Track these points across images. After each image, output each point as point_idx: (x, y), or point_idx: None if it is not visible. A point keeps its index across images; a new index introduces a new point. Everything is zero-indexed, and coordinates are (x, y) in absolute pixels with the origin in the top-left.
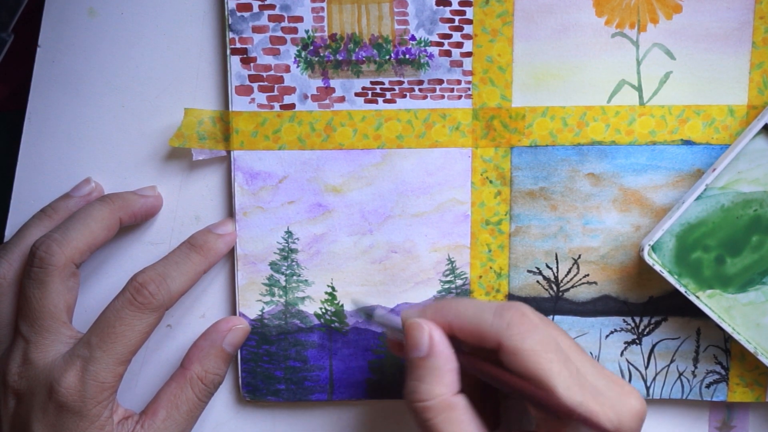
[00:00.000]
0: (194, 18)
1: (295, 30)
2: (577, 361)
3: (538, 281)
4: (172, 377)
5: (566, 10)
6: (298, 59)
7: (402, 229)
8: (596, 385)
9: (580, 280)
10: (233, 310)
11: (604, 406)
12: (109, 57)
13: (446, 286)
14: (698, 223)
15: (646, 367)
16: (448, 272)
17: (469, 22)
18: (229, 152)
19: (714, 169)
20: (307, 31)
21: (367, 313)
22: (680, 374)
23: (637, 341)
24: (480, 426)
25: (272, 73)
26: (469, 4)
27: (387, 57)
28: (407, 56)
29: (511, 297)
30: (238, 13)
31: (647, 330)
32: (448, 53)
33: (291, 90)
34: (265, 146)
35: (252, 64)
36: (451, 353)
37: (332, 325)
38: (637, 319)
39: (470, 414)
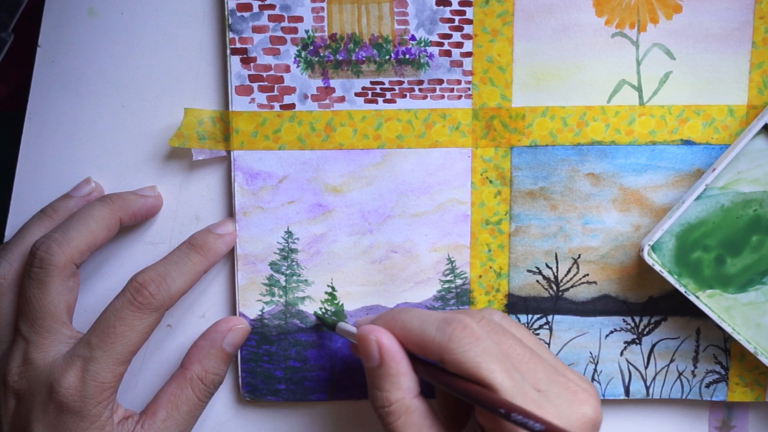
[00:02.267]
0: (194, 18)
1: (295, 30)
2: (528, 371)
3: (537, 281)
4: (172, 377)
5: (566, 10)
6: (298, 59)
7: (402, 229)
8: (548, 393)
9: (580, 279)
10: (233, 310)
11: (548, 413)
12: (109, 57)
13: (446, 285)
14: (698, 223)
15: (646, 367)
16: (448, 272)
17: (469, 22)
18: (229, 152)
19: (714, 169)
20: (307, 31)
21: (329, 324)
22: (680, 374)
23: (637, 341)
24: (441, 427)
25: (272, 73)
26: (469, 4)
27: (387, 57)
28: (407, 56)
29: (510, 296)
30: (238, 13)
31: (647, 330)
32: (448, 53)
33: (291, 90)
34: (265, 146)
35: (252, 64)
36: (403, 358)
37: None
38: (637, 319)
39: (429, 416)
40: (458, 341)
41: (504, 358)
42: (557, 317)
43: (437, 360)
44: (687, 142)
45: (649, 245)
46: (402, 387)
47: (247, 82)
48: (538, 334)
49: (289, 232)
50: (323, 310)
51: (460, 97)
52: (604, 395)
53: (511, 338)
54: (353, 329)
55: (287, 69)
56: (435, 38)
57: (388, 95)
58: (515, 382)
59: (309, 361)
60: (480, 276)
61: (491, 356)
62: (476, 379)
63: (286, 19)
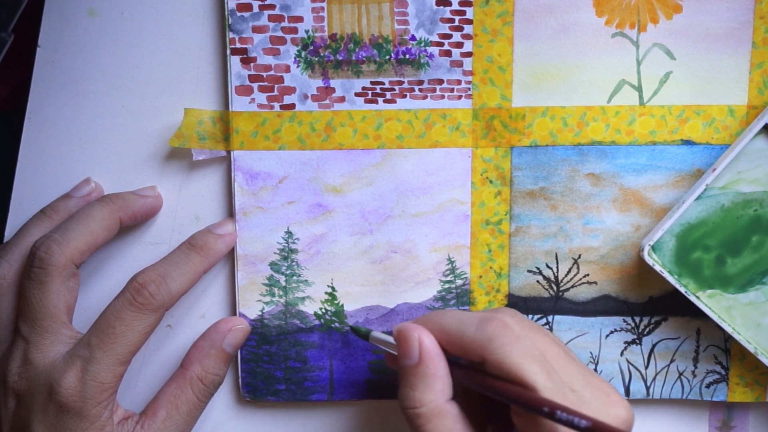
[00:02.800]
0: (194, 18)
1: (295, 30)
2: (563, 371)
3: (538, 281)
4: (172, 377)
5: (566, 10)
6: (298, 59)
7: (402, 229)
8: (582, 394)
9: (580, 279)
10: (233, 310)
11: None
12: (109, 57)
13: (446, 286)
14: (698, 223)
15: (646, 367)
16: (448, 272)
17: (469, 22)
18: (229, 152)
19: (714, 169)
20: (307, 31)
21: (363, 333)
22: (680, 374)
23: (637, 341)
24: None
25: (272, 73)
26: (469, 4)
27: (387, 57)
28: (407, 56)
29: (511, 297)
30: (238, 13)
31: (647, 330)
32: (448, 53)
33: (291, 90)
34: (265, 146)
35: (252, 64)
36: (442, 360)
37: (332, 325)
38: (637, 319)
39: (461, 421)
40: (499, 340)
41: (543, 359)
42: (557, 317)
43: (477, 360)
44: (687, 142)
45: (649, 245)
46: (435, 389)
47: (247, 82)
48: None
49: (289, 232)
50: (323, 310)
51: (460, 97)
52: None
53: (545, 336)
54: (388, 338)
55: (287, 69)
56: (435, 38)
57: (388, 95)
58: (555, 382)
59: (309, 361)
60: (480, 276)
61: (532, 357)
62: (517, 379)
63: (286, 19)
